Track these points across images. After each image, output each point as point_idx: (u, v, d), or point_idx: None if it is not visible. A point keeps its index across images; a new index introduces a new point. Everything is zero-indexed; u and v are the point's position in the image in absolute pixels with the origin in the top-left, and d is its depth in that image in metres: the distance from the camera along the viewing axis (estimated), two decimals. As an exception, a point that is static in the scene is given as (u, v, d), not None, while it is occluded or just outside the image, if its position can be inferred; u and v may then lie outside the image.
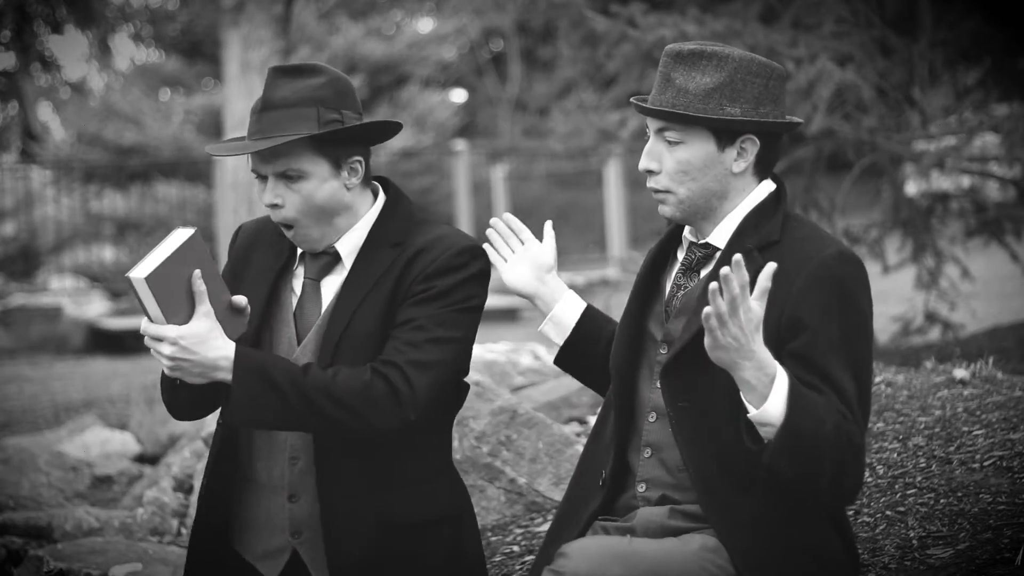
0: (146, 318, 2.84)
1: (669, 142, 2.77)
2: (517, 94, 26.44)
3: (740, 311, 2.51)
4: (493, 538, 4.28)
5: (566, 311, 3.11)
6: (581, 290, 15.26)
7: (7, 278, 16.88)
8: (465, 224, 17.46)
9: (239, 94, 11.48)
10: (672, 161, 2.77)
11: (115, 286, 16.45)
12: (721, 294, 2.51)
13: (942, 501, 3.70)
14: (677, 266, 2.88)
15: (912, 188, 8.38)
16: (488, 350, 5.76)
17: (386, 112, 19.29)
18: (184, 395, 3.00)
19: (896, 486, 3.87)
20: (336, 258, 3.05)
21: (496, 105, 26.56)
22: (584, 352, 3.09)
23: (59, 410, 9.59)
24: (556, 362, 3.15)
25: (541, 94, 25.73)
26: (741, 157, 2.76)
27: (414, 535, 3.01)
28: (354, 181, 3.00)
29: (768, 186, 2.83)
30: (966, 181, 8.32)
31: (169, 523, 5.11)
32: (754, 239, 2.75)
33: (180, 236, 2.82)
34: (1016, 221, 7.98)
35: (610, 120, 8.28)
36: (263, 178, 2.97)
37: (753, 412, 2.57)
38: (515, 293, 3.15)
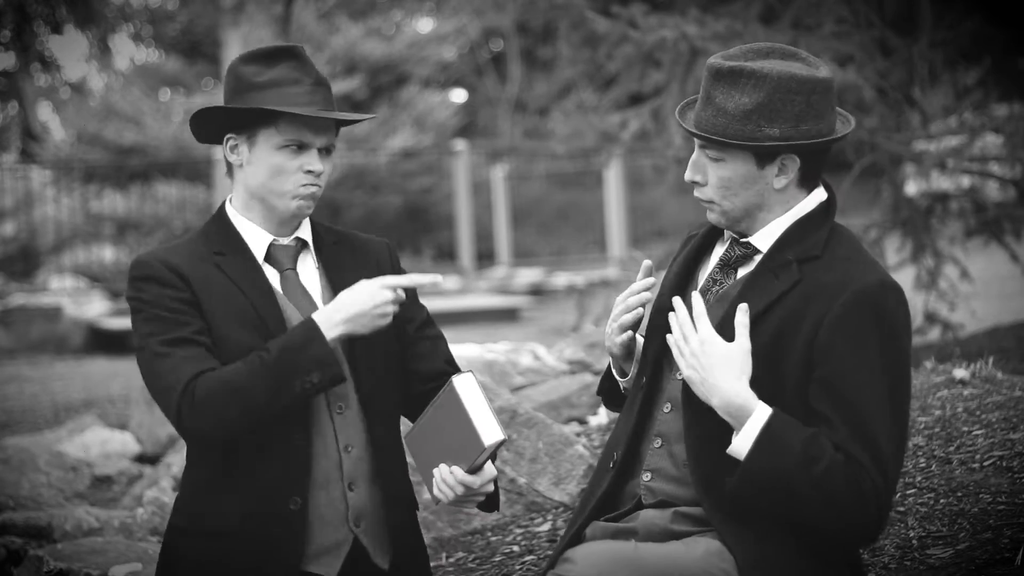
0: (461, 472, 2.86)
1: (711, 158, 2.77)
2: (517, 94, 26.44)
3: (691, 341, 2.65)
4: (493, 538, 4.29)
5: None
6: (581, 290, 15.25)
7: (7, 278, 16.88)
8: (465, 224, 17.45)
9: (239, 94, 11.47)
10: (714, 176, 2.77)
11: (115, 286, 16.44)
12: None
13: (942, 501, 3.71)
14: (715, 260, 2.88)
15: (912, 188, 8.37)
16: (488, 350, 5.75)
17: (385, 112, 19.31)
18: None
19: (896, 486, 3.87)
20: (303, 247, 3.11)
21: (496, 105, 26.56)
22: None
23: (59, 410, 9.59)
24: (612, 404, 3.12)
25: (541, 94, 25.73)
26: (782, 174, 2.75)
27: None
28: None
29: (819, 195, 2.81)
30: (966, 181, 8.31)
31: (169, 523, 5.10)
32: (796, 250, 2.74)
33: (471, 382, 2.88)
34: (1016, 221, 7.98)
35: (611, 121, 8.27)
36: (301, 148, 3.02)
37: (731, 446, 2.64)
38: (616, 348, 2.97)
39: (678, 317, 2.70)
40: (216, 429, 2.90)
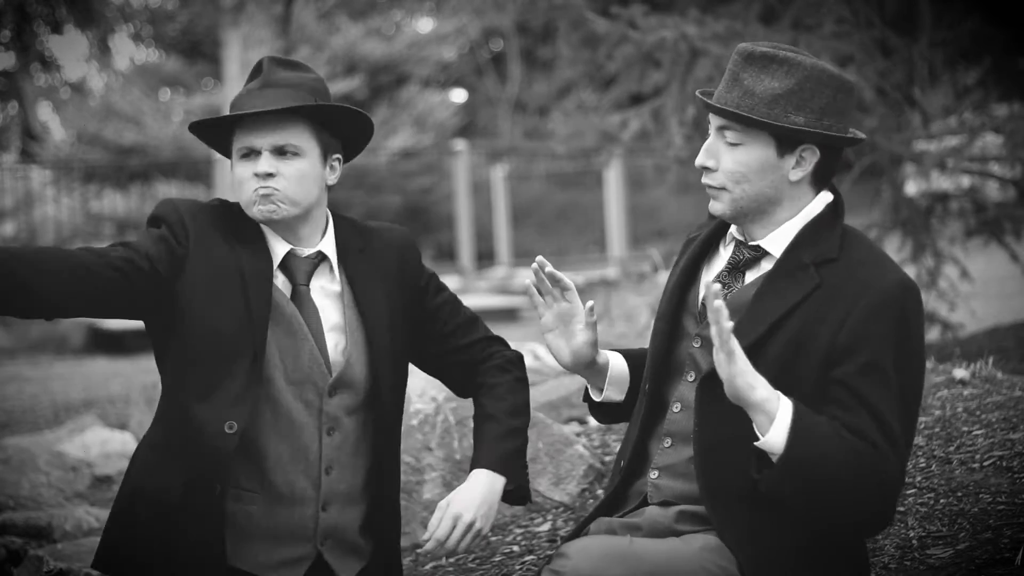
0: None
1: (729, 143, 2.75)
2: (517, 94, 26.45)
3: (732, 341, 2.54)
4: (493, 538, 4.28)
5: (616, 369, 3.02)
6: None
7: (7, 278, 16.86)
8: (465, 224, 17.45)
9: (239, 94, 11.48)
10: (730, 161, 2.74)
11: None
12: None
13: (942, 501, 3.71)
14: (720, 263, 2.85)
15: (912, 188, 8.37)
16: (488, 350, 5.75)
17: (385, 112, 19.30)
18: None
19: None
20: (321, 260, 3.03)
21: (496, 105, 26.57)
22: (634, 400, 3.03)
23: (59, 410, 9.59)
24: (600, 418, 3.08)
25: (541, 94, 25.75)
26: (799, 166, 2.73)
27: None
28: (332, 179, 3.04)
29: (825, 197, 2.79)
30: (966, 181, 8.31)
31: (169, 523, 5.10)
32: (811, 253, 2.72)
33: None
34: (1016, 221, 7.98)
35: (611, 121, 8.27)
36: (252, 154, 2.95)
37: (761, 440, 2.58)
38: (571, 371, 2.98)
39: (719, 313, 2.52)
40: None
